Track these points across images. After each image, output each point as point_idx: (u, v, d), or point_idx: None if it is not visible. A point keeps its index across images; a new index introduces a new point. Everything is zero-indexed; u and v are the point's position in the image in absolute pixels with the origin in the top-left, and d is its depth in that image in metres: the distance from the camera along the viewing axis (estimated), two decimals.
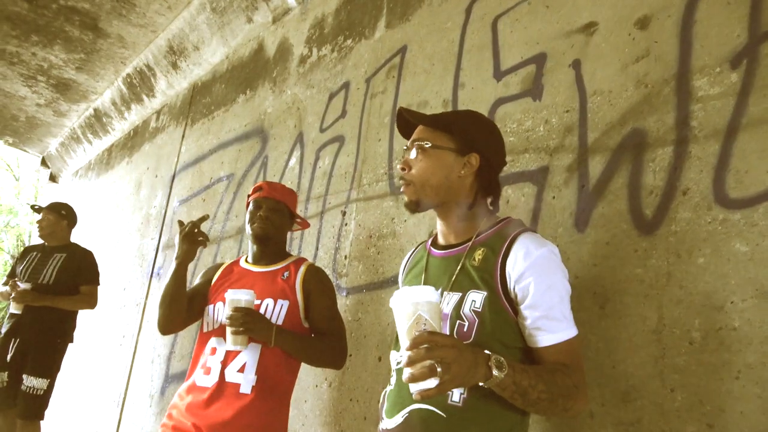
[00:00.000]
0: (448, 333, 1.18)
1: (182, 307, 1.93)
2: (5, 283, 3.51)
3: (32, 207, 3.97)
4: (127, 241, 4.95)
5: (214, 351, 1.85)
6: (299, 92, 3.10)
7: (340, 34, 2.91)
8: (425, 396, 0.96)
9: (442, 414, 1.13)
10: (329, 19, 3.04)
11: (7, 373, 3.44)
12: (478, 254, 1.24)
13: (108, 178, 6.19)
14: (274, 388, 1.82)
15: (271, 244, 2.00)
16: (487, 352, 1.04)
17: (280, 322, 1.86)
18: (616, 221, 1.47)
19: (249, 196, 2.11)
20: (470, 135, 1.31)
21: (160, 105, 5.22)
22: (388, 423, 1.22)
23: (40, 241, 3.86)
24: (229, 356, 1.82)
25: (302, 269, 1.96)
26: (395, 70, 2.44)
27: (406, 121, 1.38)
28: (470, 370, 0.98)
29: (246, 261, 2.06)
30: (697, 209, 1.31)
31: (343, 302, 2.30)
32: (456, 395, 1.14)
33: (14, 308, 3.44)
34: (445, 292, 1.24)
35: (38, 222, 3.79)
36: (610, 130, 1.55)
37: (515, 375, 1.03)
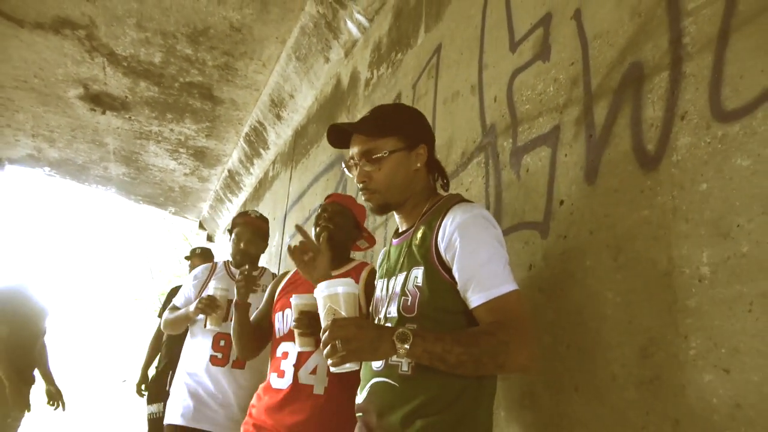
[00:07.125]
0: (396, 310, 1.29)
1: (251, 338, 2.07)
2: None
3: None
4: None
5: (285, 355, 1.90)
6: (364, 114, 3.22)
7: (392, 50, 3.01)
8: (335, 365, 1.11)
9: (395, 384, 1.23)
10: (384, 39, 3.16)
11: (163, 403, 3.46)
12: (419, 233, 1.32)
13: None
14: (345, 387, 1.80)
15: (334, 247, 1.91)
16: (398, 328, 1.11)
17: None
18: (622, 164, 1.33)
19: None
20: (412, 129, 1.41)
21: (274, 155, 5.71)
22: (359, 397, 1.36)
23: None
24: (301, 359, 1.86)
25: (364, 274, 1.91)
26: (433, 69, 2.46)
27: (338, 133, 1.44)
28: (372, 343, 1.08)
29: None
30: (697, 131, 1.15)
31: None
32: (405, 366, 1.22)
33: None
34: (398, 275, 1.33)
35: None
36: (611, 72, 1.43)
37: (426, 344, 1.09)
